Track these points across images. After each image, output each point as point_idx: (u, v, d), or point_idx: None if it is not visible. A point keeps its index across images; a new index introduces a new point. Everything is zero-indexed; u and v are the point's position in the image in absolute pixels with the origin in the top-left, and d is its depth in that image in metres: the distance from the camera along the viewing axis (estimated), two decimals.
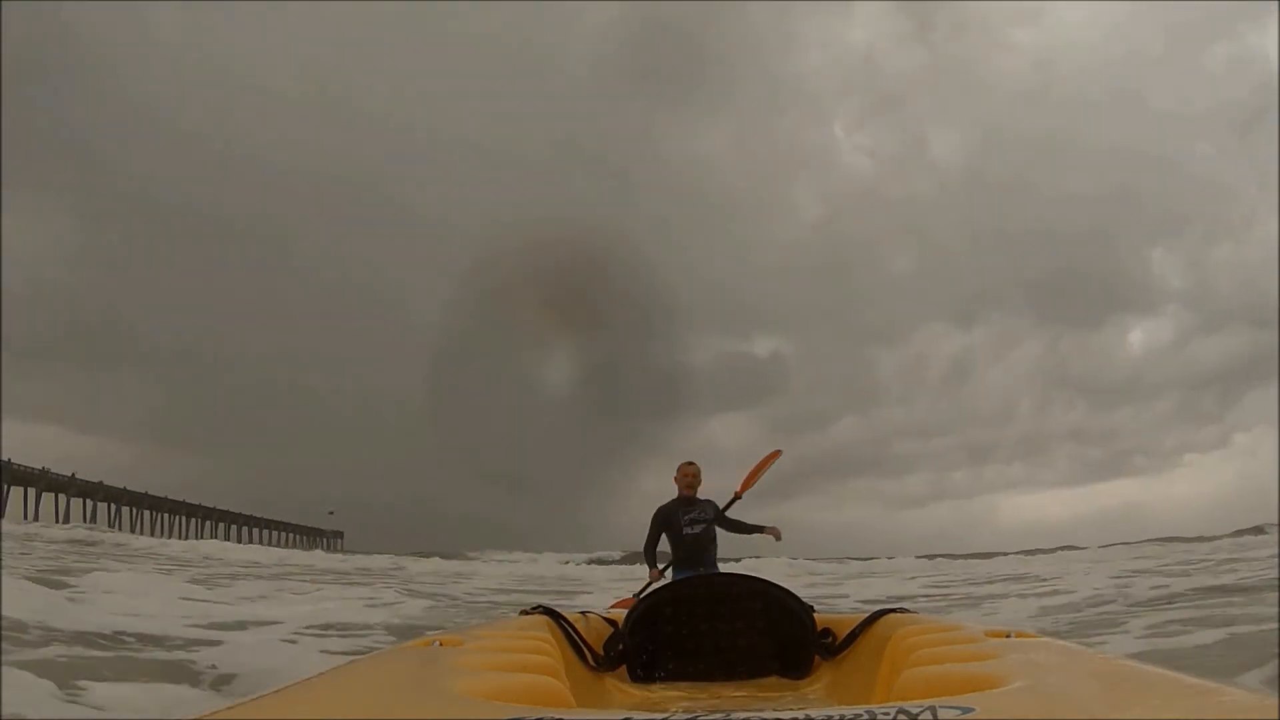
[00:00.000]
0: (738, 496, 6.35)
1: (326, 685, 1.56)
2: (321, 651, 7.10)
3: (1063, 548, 45.57)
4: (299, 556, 37.99)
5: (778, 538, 6.13)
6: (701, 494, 5.95)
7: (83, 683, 4.89)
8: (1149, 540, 41.58)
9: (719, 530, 5.96)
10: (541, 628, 2.86)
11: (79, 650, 6.05)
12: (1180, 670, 1.48)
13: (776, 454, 6.85)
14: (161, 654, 6.34)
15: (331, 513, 79.98)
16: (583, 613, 3.61)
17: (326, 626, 8.73)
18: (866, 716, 1.14)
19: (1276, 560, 15.52)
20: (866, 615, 3.11)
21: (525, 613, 3.20)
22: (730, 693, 3.22)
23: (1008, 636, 2.07)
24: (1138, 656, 2.51)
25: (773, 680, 3.42)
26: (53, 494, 59.88)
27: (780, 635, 3.54)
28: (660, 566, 6.00)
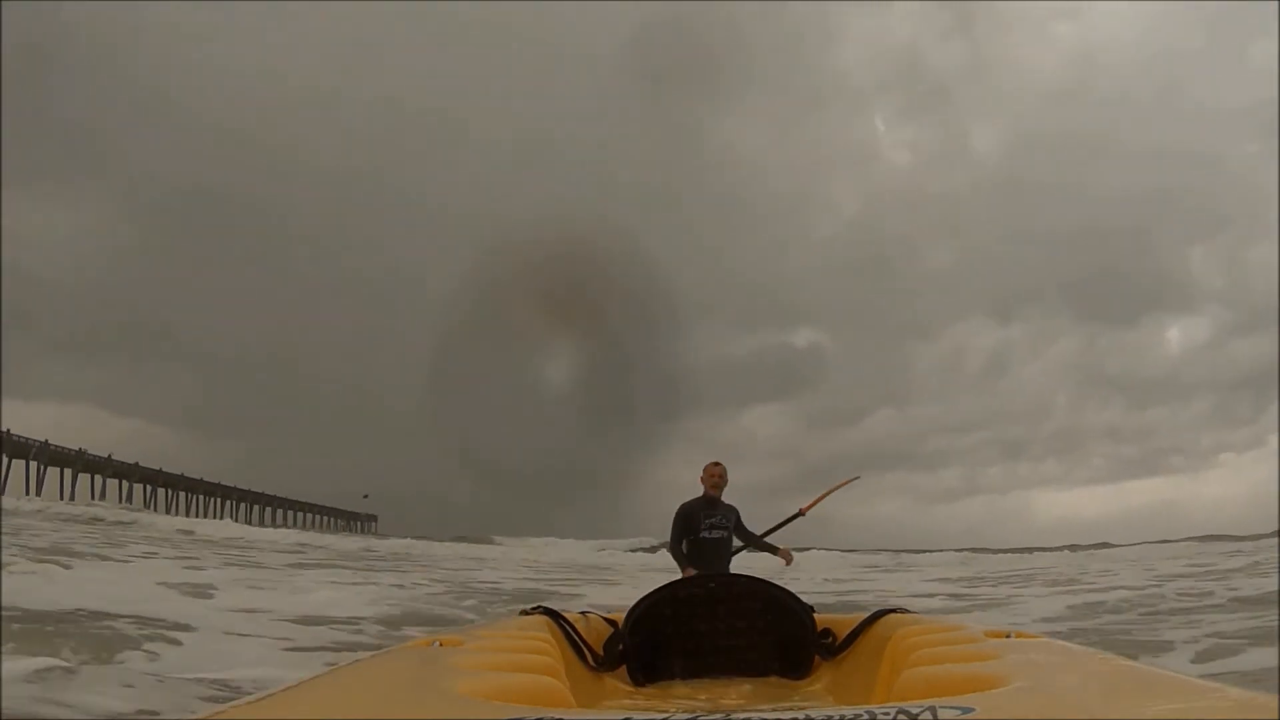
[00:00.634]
0: (801, 514, 6.26)
1: (327, 685, 1.56)
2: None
3: (1099, 545, 44.78)
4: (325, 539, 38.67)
5: (789, 562, 6.09)
6: (728, 496, 5.90)
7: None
8: (1188, 539, 40.75)
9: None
10: (541, 628, 2.86)
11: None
12: (1180, 671, 1.48)
13: (854, 479, 6.76)
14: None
15: (366, 496, 79.83)
16: (583, 613, 3.61)
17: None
18: (866, 717, 1.14)
19: None
20: (866, 615, 3.10)
21: (525, 613, 3.20)
22: (730, 693, 3.22)
23: (1008, 637, 2.08)
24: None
25: (773, 680, 3.42)
26: (89, 474, 60.76)
27: (780, 635, 3.54)
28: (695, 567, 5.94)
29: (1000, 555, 40.12)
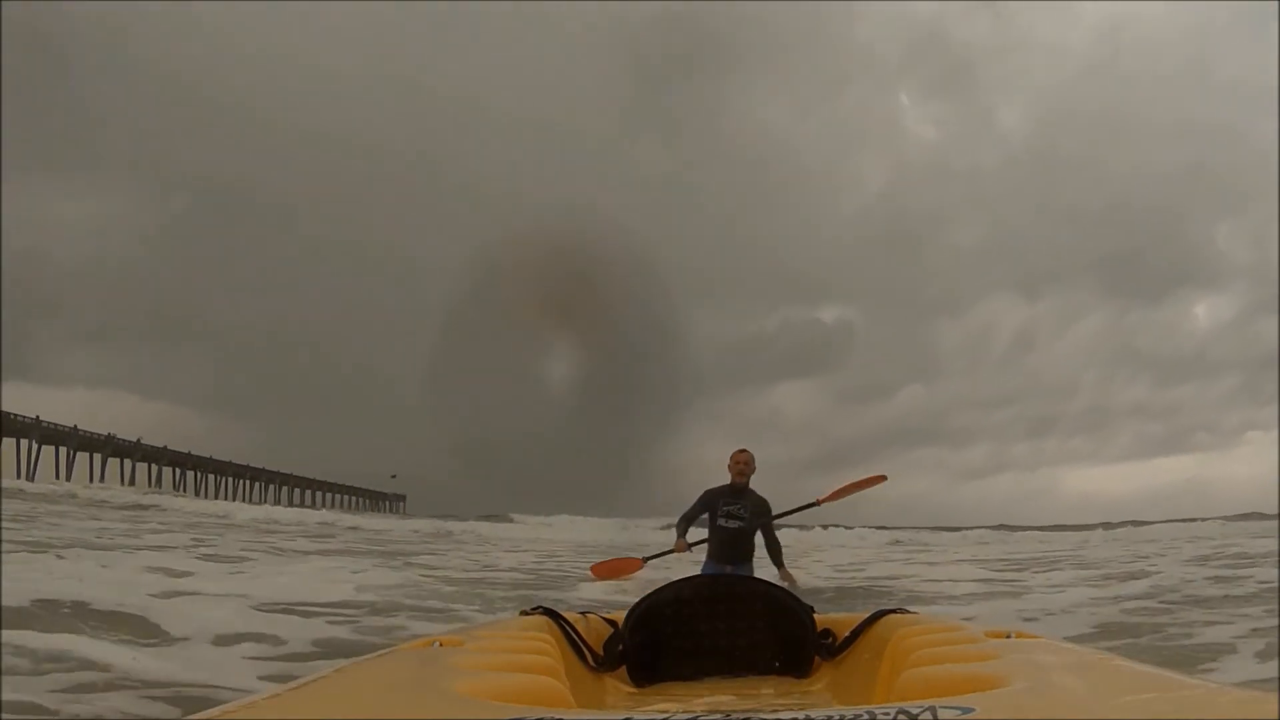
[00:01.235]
0: (817, 503, 6.26)
1: (327, 685, 1.56)
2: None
3: (1131, 522, 44.05)
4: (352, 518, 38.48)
5: (791, 585, 6.13)
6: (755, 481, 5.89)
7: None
8: (1221, 517, 39.93)
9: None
10: (541, 628, 2.86)
11: None
12: (1180, 670, 1.48)
13: (880, 479, 6.76)
14: None
15: (394, 476, 79.88)
16: (583, 613, 3.61)
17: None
18: (867, 717, 1.14)
19: None
20: (867, 615, 3.11)
21: (525, 613, 3.20)
22: (730, 693, 3.22)
23: (1008, 637, 2.08)
24: None
25: (773, 681, 3.42)
26: (118, 459, 61.94)
27: (780, 635, 3.54)
28: (693, 543, 5.92)
29: (1030, 533, 38.74)
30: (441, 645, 2.03)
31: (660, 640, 3.56)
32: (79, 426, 58.96)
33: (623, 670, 3.37)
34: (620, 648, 3.39)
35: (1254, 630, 6.59)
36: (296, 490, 77.07)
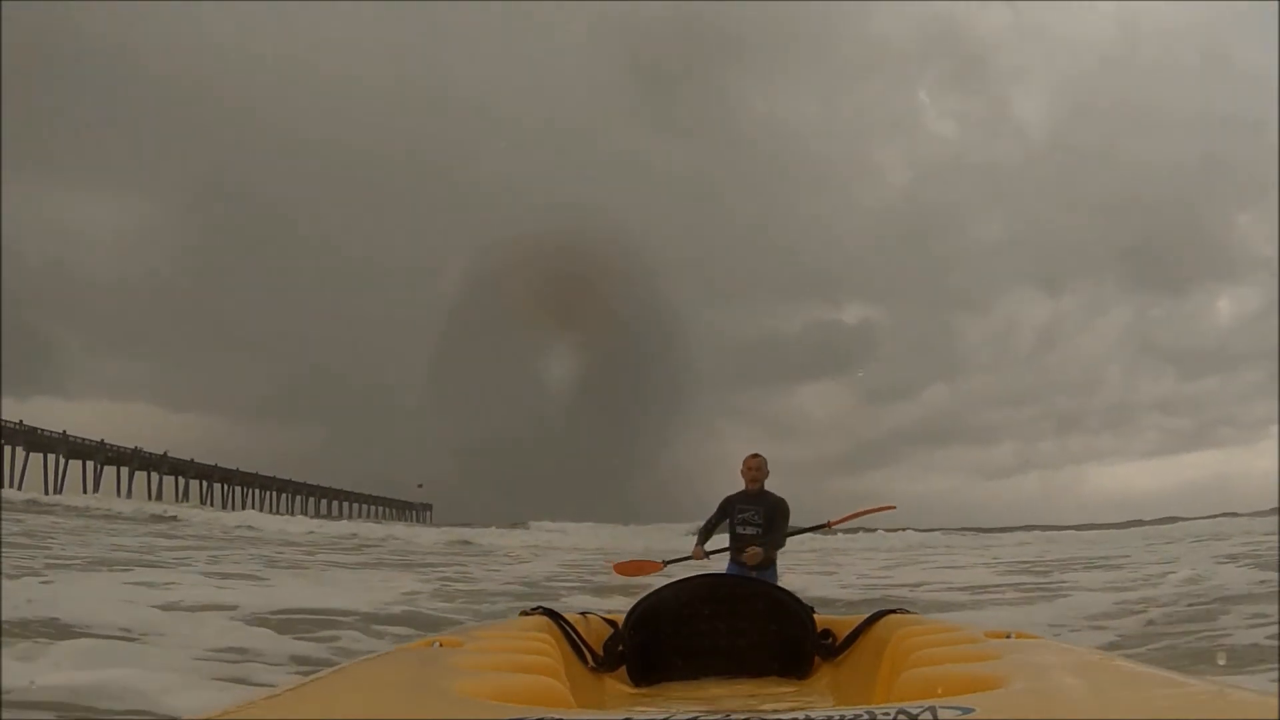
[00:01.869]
0: (828, 525, 6.29)
1: (327, 686, 1.56)
2: None
3: (1165, 520, 43.08)
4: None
5: (750, 559, 6.14)
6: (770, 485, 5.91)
7: None
8: (1254, 513, 39.24)
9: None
10: (541, 628, 2.87)
11: None
12: (1181, 670, 1.48)
13: (887, 508, 6.82)
14: None
15: (420, 485, 79.81)
16: (583, 613, 3.61)
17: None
18: (866, 717, 1.15)
19: None
20: (867, 616, 3.11)
21: (525, 613, 3.20)
22: (730, 693, 3.22)
23: (1008, 637, 2.08)
24: None
25: (773, 681, 3.42)
26: (145, 471, 61.82)
27: (780, 636, 3.54)
28: (709, 550, 5.95)
29: (1066, 532, 37.59)
30: (441, 645, 2.04)
31: (660, 640, 3.56)
32: (105, 440, 59.01)
33: (623, 670, 3.36)
34: (620, 648, 3.39)
35: None
36: (323, 501, 76.74)
